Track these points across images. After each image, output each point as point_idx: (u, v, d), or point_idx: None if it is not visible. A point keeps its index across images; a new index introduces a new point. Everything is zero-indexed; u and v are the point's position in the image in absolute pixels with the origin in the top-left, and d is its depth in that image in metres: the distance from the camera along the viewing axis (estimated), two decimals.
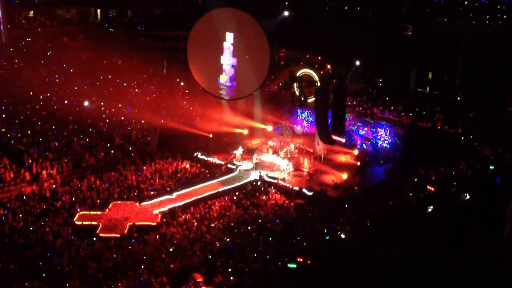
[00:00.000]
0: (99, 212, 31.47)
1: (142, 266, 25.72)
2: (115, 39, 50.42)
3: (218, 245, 27.86)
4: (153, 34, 51.28)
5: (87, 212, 31.34)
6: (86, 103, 41.80)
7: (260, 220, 30.73)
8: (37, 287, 23.97)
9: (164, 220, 30.89)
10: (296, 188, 35.33)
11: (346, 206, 31.81)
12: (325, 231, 28.25)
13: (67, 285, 24.31)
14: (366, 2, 43.61)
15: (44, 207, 31.37)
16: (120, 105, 42.76)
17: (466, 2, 38.99)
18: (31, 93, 41.45)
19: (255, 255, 26.27)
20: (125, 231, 29.58)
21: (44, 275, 24.99)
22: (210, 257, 26.47)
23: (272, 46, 39.09)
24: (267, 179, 36.77)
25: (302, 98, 38.32)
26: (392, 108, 39.87)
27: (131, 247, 27.72)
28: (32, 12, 50.90)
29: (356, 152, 39.49)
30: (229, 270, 25.06)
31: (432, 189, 29.36)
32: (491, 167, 29.70)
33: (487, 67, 37.27)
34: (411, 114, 38.62)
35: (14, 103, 40.45)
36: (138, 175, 36.30)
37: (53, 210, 31.21)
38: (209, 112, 43.95)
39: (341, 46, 40.58)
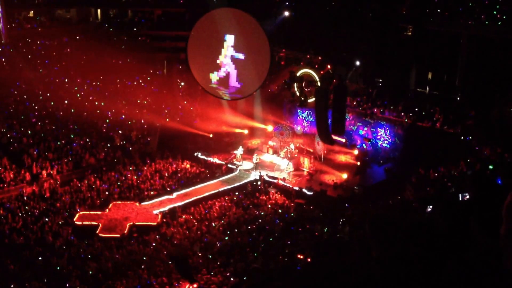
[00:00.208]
0: (99, 212, 31.46)
1: (142, 266, 25.71)
2: (115, 39, 50.39)
3: (218, 245, 27.85)
4: (153, 34, 51.26)
5: (87, 212, 31.32)
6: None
7: (260, 220, 30.72)
8: (36, 287, 23.97)
9: (164, 220, 30.89)
10: (296, 188, 35.36)
11: (346, 205, 31.81)
12: (325, 231, 28.24)
13: (67, 285, 24.28)
14: (366, 2, 43.56)
15: (44, 207, 31.34)
16: (120, 105, 42.75)
17: (465, 3, 38.95)
18: (31, 93, 41.41)
19: (255, 255, 26.25)
20: (125, 231, 29.56)
21: (43, 275, 24.95)
22: (210, 257, 26.53)
23: (272, 46, 39.08)
24: (267, 179, 36.79)
25: (302, 98, 38.29)
26: (392, 108, 39.86)
27: (131, 247, 27.71)
28: (32, 12, 50.87)
29: (356, 152, 39.51)
30: (229, 270, 25.10)
31: (435, 189, 29.34)
32: (491, 167, 29.69)
33: (486, 67, 37.26)
34: (411, 114, 38.61)
35: (14, 103, 40.41)
36: (138, 175, 36.29)
37: (53, 210, 31.16)
38: (209, 112, 43.98)
39: (341, 46, 40.58)
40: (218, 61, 39.96)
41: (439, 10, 40.44)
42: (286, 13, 43.41)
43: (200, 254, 26.94)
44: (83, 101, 41.84)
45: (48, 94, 41.80)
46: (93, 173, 35.75)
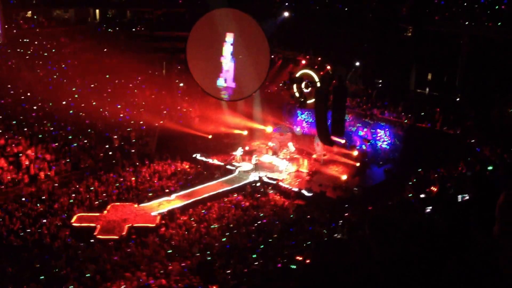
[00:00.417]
0: (97, 214, 31.31)
1: (141, 268, 25.58)
2: (114, 39, 50.27)
3: (217, 246, 27.75)
4: (152, 34, 51.13)
5: (85, 214, 31.17)
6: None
7: (259, 221, 30.63)
8: None
9: (163, 221, 30.77)
10: (296, 189, 35.28)
11: (345, 206, 31.71)
12: (325, 232, 28.16)
13: (64, 287, 24.15)
14: (366, 3, 43.45)
15: (42, 208, 31.18)
16: (119, 106, 42.66)
17: (465, 3, 38.84)
18: (28, 93, 41.25)
19: (255, 256, 26.16)
20: (124, 233, 29.42)
21: (41, 277, 24.81)
22: (209, 258, 26.43)
23: (272, 46, 38.98)
24: (266, 180, 36.71)
25: (302, 99, 38.21)
26: (391, 109, 39.77)
27: (130, 249, 27.58)
28: (30, 12, 50.73)
29: (355, 153, 39.40)
30: (228, 271, 24.99)
31: (434, 189, 29.22)
32: (490, 168, 29.59)
33: (486, 68, 37.16)
34: (410, 115, 38.50)
35: (11, 104, 40.24)
36: (137, 176, 36.19)
37: (50, 211, 31.01)
38: (208, 113, 43.92)
39: (341, 47, 40.45)
40: (217, 62, 39.83)
41: (439, 11, 40.31)
42: (286, 14, 43.28)
43: (199, 256, 26.83)
44: (82, 102, 41.67)
45: (46, 95, 41.60)
46: (92, 175, 35.62)
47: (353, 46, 40.59)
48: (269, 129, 43.39)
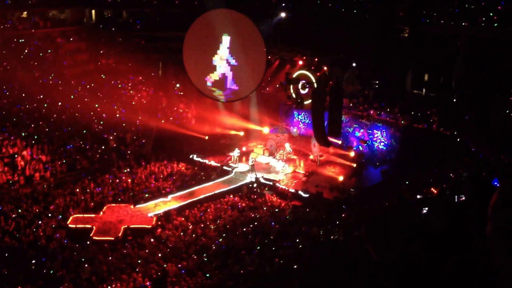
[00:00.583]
0: (93, 215, 31.21)
1: (137, 269, 25.50)
2: (110, 40, 50.13)
3: (213, 247, 27.68)
4: (148, 35, 50.98)
5: (81, 215, 31.07)
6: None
7: (256, 223, 30.56)
8: None
9: (159, 223, 30.69)
10: (292, 190, 35.21)
11: (342, 207, 31.64)
12: (321, 233, 28.09)
13: None
14: (364, 4, 43.37)
15: (38, 210, 31.07)
16: (115, 107, 42.55)
17: (462, 4, 38.80)
18: (24, 94, 41.07)
19: (251, 257, 26.09)
20: (120, 234, 29.32)
21: (37, 278, 24.69)
22: (205, 259, 26.37)
23: (268, 47, 38.89)
24: (263, 181, 36.65)
25: (299, 100, 38.14)
26: (388, 110, 39.72)
27: (126, 250, 27.49)
28: (25, 12, 50.52)
29: (352, 154, 39.36)
30: (225, 272, 24.94)
31: (432, 191, 29.19)
32: (487, 169, 29.58)
33: (483, 68, 37.11)
34: (407, 116, 38.46)
35: (7, 105, 40.08)
36: (133, 177, 36.10)
37: (46, 213, 30.92)
38: (205, 114, 43.82)
39: (338, 48, 40.37)
40: (214, 63, 39.71)
41: (435, 12, 40.26)
42: (283, 14, 43.18)
43: (195, 257, 26.75)
44: (78, 103, 41.52)
45: (42, 96, 41.43)
46: (87, 176, 35.52)
47: (350, 47, 40.48)
48: (265, 130, 43.33)
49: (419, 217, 24.04)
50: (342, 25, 41.08)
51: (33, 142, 36.62)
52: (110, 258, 26.59)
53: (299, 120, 44.02)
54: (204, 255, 26.85)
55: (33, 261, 26.08)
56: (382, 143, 39.07)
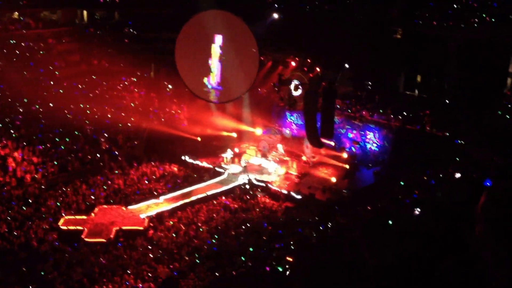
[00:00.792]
0: (84, 217, 31.07)
1: (129, 271, 25.42)
2: (102, 41, 49.94)
3: (206, 249, 27.62)
4: (141, 36, 50.82)
5: (73, 217, 30.92)
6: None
7: (248, 224, 30.51)
8: None
9: (151, 224, 30.59)
10: (285, 192, 35.18)
11: (335, 209, 31.59)
12: (314, 234, 28.06)
13: None
14: (357, 5, 43.33)
15: (29, 211, 30.89)
16: (107, 108, 42.41)
17: (455, 5, 38.82)
18: (15, 96, 40.87)
19: (243, 259, 26.04)
20: (112, 236, 29.19)
21: (28, 281, 24.55)
22: (198, 261, 26.31)
23: (261, 48, 38.85)
24: (255, 182, 36.60)
25: (291, 101, 38.15)
26: (381, 111, 39.72)
27: (117, 251, 27.39)
28: (16, 13, 50.22)
29: (345, 155, 39.34)
30: (217, 274, 24.90)
31: (425, 192, 29.21)
32: (480, 170, 29.60)
33: (476, 70, 37.16)
34: (400, 117, 38.46)
35: None
36: (125, 179, 35.98)
37: (37, 214, 30.74)
38: (197, 115, 43.74)
39: (331, 49, 40.34)
40: (206, 64, 39.67)
41: (428, 13, 40.28)
42: (276, 16, 43.13)
43: (187, 259, 26.68)
44: (69, 104, 41.39)
45: (33, 97, 41.25)
46: (79, 177, 35.37)
47: (343, 48, 40.46)
48: (258, 131, 43.27)
49: (412, 218, 24.08)
50: (335, 26, 41.06)
51: (25, 143, 36.44)
52: (101, 260, 26.49)
53: (292, 121, 43.96)
54: (197, 256, 26.79)
55: (25, 263, 25.93)
56: (374, 144, 39.05)
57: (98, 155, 37.88)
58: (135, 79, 47.78)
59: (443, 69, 39.65)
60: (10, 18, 49.85)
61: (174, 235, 29.27)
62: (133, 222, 30.80)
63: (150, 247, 27.86)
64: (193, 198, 34.17)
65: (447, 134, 35.43)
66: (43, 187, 33.83)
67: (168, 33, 44.81)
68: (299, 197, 34.55)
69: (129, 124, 41.56)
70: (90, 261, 26.28)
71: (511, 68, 37.37)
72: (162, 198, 33.83)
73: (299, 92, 39.10)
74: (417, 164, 33.02)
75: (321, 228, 28.55)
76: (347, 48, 39.81)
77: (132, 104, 44.62)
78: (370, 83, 42.62)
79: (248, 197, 34.82)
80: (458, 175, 29.41)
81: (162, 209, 32.39)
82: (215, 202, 34.12)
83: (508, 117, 33.87)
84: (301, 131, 41.50)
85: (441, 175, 30.97)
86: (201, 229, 29.90)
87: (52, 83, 43.73)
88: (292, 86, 38.52)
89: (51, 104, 41.07)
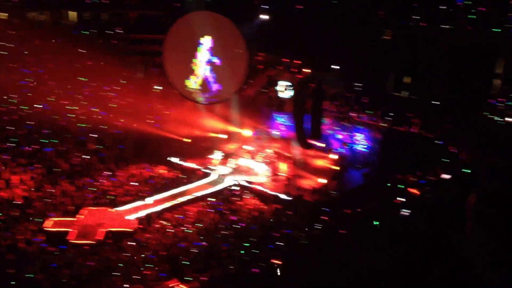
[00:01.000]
0: (72, 219, 30.86)
1: (117, 273, 25.30)
2: (90, 42, 49.68)
3: (194, 251, 27.54)
4: (129, 37, 50.62)
5: (60, 219, 30.70)
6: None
7: (236, 226, 30.46)
8: None
9: (140, 226, 30.48)
10: (274, 193, 35.14)
11: (324, 210, 31.59)
12: (303, 235, 28.07)
13: None
14: (346, 6, 43.35)
15: (16, 213, 30.66)
16: (94, 109, 42.16)
17: (445, 7, 38.94)
18: (2, 97, 40.58)
19: (232, 260, 26.00)
20: (100, 237, 29.03)
21: (15, 283, 24.38)
22: (187, 263, 26.24)
23: (250, 50, 38.84)
24: (244, 184, 36.53)
25: (280, 103, 38.18)
26: (370, 112, 39.79)
27: (106, 253, 27.26)
28: (3, 14, 49.89)
29: (333, 156, 39.38)
30: (206, 276, 24.83)
31: (414, 193, 29.28)
32: (468, 172, 29.73)
33: (465, 71, 37.31)
34: (389, 118, 38.55)
35: None
36: (112, 180, 35.82)
37: (25, 216, 30.52)
38: (186, 117, 43.57)
39: (320, 51, 40.37)
40: (194, 65, 39.63)
41: (418, 15, 40.38)
42: (265, 17, 43.08)
43: (176, 260, 26.61)
44: (57, 105, 41.09)
45: (20, 98, 41.00)
46: (67, 179, 35.18)
47: (332, 49, 40.49)
48: (247, 132, 43.20)
49: (401, 219, 24.12)
50: (324, 27, 41.08)
51: (12, 145, 36.20)
52: (89, 261, 26.33)
53: (281, 122, 43.92)
54: (185, 258, 26.71)
55: (12, 265, 25.75)
56: (363, 146, 39.13)
57: (86, 157, 37.67)
58: (123, 80, 47.50)
59: (432, 71, 39.78)
60: None
61: (162, 236, 29.17)
62: (121, 224, 30.61)
63: (138, 249, 27.73)
64: (182, 199, 34.05)
65: (436, 135, 35.56)
66: (30, 188, 33.58)
67: (156, 34, 44.68)
68: (288, 198, 34.51)
69: (117, 125, 41.33)
70: (78, 263, 26.11)
71: (499, 70, 37.57)
72: (150, 199, 33.67)
73: (288, 93, 39.15)
74: (406, 166, 33.11)
75: (310, 229, 28.57)
76: (336, 49, 39.85)
77: (120, 105, 44.36)
78: (359, 84, 42.66)
79: (237, 199, 34.75)
80: (446, 176, 29.51)
81: (150, 210, 32.25)
82: (203, 203, 34.04)
83: (495, 118, 34.04)
84: (290, 132, 41.53)
85: (430, 177, 31.07)
86: (189, 231, 29.81)
87: (39, 84, 43.43)
88: (281, 88, 38.53)
89: (38, 106, 40.81)
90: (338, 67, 40.75)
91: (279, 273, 23.04)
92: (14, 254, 26.73)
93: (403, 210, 25.76)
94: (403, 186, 31.13)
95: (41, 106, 40.77)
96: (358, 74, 42.31)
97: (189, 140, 42.18)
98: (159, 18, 49.64)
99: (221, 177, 37.77)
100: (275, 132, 43.54)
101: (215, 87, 39.53)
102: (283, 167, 38.96)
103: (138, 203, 33.23)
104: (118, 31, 51.51)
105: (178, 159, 39.86)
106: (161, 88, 46.59)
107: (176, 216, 31.99)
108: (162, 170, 38.64)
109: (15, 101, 40.82)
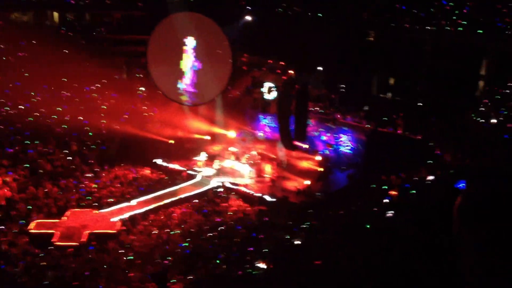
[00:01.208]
0: (56, 220, 30.68)
1: (101, 275, 25.18)
2: (73, 43, 49.40)
3: (179, 252, 27.48)
4: (112, 38, 50.41)
5: (44, 220, 30.51)
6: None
7: (221, 227, 30.42)
8: None
9: (124, 227, 30.34)
10: (258, 195, 35.13)
11: (309, 212, 31.60)
12: (288, 237, 28.04)
13: None
14: (330, 8, 43.47)
15: None
16: (78, 110, 41.89)
17: (428, 9, 39.13)
18: None
19: (217, 262, 25.94)
20: (83, 239, 28.88)
21: None
22: (171, 264, 26.16)
23: (234, 51, 38.82)
24: (228, 185, 36.50)
25: (264, 104, 38.16)
26: (354, 113, 39.91)
27: (89, 255, 27.11)
28: None
29: (318, 158, 39.44)
30: (190, 277, 24.77)
31: (398, 194, 29.32)
32: (452, 172, 29.81)
33: (448, 72, 37.53)
34: (373, 120, 38.67)
35: None
36: (96, 182, 35.63)
37: (8, 218, 30.27)
38: (170, 118, 43.46)
39: (304, 52, 40.44)
40: (178, 66, 39.53)
41: (402, 16, 40.56)
42: (249, 18, 43.08)
43: (160, 262, 26.52)
44: (40, 106, 40.78)
45: (2, 99, 40.68)
46: (50, 180, 34.90)
47: (316, 51, 40.58)
48: (231, 134, 43.16)
49: (386, 221, 24.13)
50: (308, 28, 41.16)
51: None
52: (73, 263, 26.18)
53: (265, 124, 43.94)
54: (170, 260, 26.64)
55: None
56: (348, 147, 39.24)
57: (69, 158, 37.42)
58: (106, 81, 47.26)
59: (416, 72, 39.98)
60: None
61: (146, 238, 29.07)
62: (105, 226, 30.50)
63: (122, 251, 27.61)
64: (166, 201, 33.96)
65: (420, 137, 35.71)
66: (13, 190, 33.28)
67: (140, 35, 44.54)
68: (272, 200, 34.52)
69: (101, 126, 41.11)
70: (62, 265, 25.96)
71: (482, 71, 37.84)
72: (134, 201, 33.54)
73: (272, 94, 39.15)
74: (391, 167, 33.20)
75: (295, 231, 28.55)
76: (321, 51, 39.94)
77: (104, 106, 44.13)
78: (343, 85, 42.80)
79: (221, 200, 34.71)
80: (431, 177, 29.59)
81: (134, 212, 32.13)
82: (188, 205, 33.98)
83: (479, 119, 34.22)
84: (274, 133, 41.55)
85: (415, 178, 31.16)
86: (173, 232, 29.73)
87: (22, 85, 43.08)
88: (265, 89, 38.53)
89: (21, 107, 40.50)
90: (322, 69, 40.81)
91: (264, 275, 22.97)
92: None
93: (388, 211, 25.78)
94: (387, 187, 31.17)
95: (24, 107, 40.47)
96: (342, 76, 42.45)
97: (173, 142, 42.03)
98: (143, 19, 49.53)
99: (206, 179, 37.70)
100: (259, 134, 43.56)
101: (199, 88, 39.42)
102: (267, 168, 38.98)
103: (122, 204, 33.10)
104: (102, 32, 51.34)
105: (162, 160, 39.73)
106: (145, 89, 46.50)
107: (160, 217, 31.92)
108: (146, 172, 38.49)
109: None
